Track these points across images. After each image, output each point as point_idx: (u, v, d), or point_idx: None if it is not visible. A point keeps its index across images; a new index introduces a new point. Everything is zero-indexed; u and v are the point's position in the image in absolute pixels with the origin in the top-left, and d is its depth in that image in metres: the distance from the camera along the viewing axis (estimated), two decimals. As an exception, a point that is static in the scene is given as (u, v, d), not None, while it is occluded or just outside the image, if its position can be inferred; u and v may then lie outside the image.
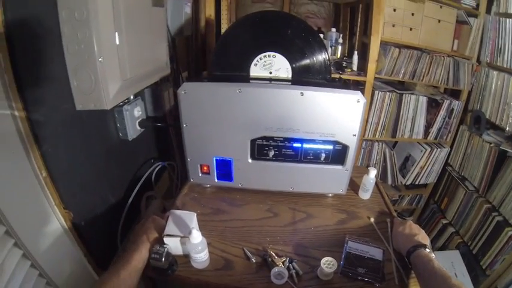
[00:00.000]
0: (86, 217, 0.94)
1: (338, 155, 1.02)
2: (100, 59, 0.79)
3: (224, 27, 1.85)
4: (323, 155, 1.01)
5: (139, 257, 0.76)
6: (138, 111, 1.15)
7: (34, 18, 0.71)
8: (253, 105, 0.93)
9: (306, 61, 1.01)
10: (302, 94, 0.90)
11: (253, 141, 1.00)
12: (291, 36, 1.00)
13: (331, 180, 1.07)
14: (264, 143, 1.00)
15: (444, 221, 2.16)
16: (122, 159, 1.16)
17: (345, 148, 1.00)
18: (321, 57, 1.01)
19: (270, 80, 1.01)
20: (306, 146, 1.00)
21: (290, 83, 0.97)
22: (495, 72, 1.78)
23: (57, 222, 0.83)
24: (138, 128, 1.17)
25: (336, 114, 0.94)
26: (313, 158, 1.02)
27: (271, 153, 1.00)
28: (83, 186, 0.93)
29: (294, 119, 0.95)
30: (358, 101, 0.92)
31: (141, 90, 1.19)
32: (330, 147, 1.00)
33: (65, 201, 0.84)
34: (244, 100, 0.93)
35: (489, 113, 1.83)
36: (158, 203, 1.29)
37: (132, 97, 1.12)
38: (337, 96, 0.92)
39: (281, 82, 0.98)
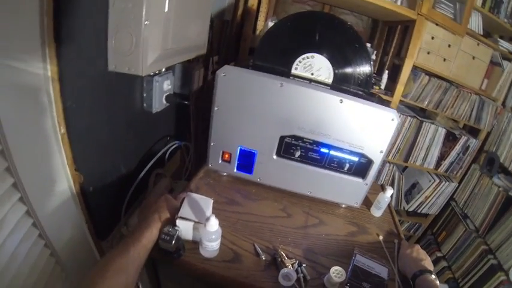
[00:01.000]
0: (94, 183, 0.91)
1: (361, 168, 1.01)
2: (146, 22, 0.77)
3: (261, 19, 1.83)
4: (347, 165, 1.00)
5: (150, 236, 0.73)
6: (167, 85, 1.13)
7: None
8: (291, 102, 0.92)
9: (350, 69, 1.01)
10: (341, 101, 0.89)
11: (282, 138, 0.99)
12: (339, 41, 0.99)
13: (349, 191, 1.06)
14: (293, 141, 0.98)
15: (438, 254, 2.15)
16: (141, 131, 1.14)
17: (369, 162, 0.99)
18: (365, 68, 1.00)
19: (311, 81, 0.99)
20: (332, 153, 0.99)
21: (329, 88, 0.96)
22: (518, 119, 1.79)
23: (66, 183, 0.79)
24: (164, 101, 1.15)
25: (369, 128, 0.93)
26: (337, 166, 1.01)
27: (298, 153, 0.99)
28: (98, 151, 0.91)
29: (328, 124, 0.94)
30: (393, 120, 0.91)
31: (173, 65, 1.16)
32: (356, 158, 0.99)
33: (78, 163, 0.81)
34: (283, 95, 0.91)
35: (504, 158, 1.83)
36: (167, 182, 1.27)
37: (163, 69, 1.09)
38: (374, 111, 0.91)
39: (321, 85, 0.97)
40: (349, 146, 0.96)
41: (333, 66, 1.00)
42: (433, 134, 1.93)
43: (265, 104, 0.94)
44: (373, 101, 0.93)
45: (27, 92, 0.63)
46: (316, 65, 1.00)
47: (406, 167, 2.27)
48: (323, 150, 0.99)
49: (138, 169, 1.14)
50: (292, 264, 0.84)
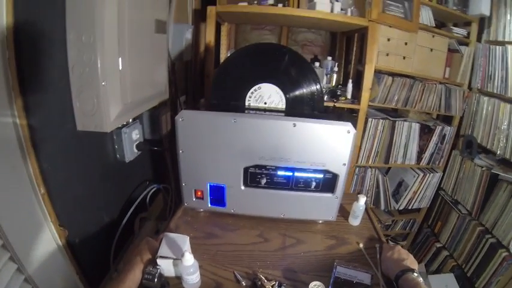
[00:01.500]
0: (80, 235, 0.96)
1: (328, 183, 1.04)
2: (103, 83, 0.83)
3: (223, 53, 1.89)
4: (314, 183, 1.03)
5: (133, 277, 0.77)
6: (136, 134, 1.18)
7: (41, 36, 0.75)
8: (247, 135, 0.96)
9: (300, 91, 1.05)
10: (294, 125, 0.93)
11: (246, 169, 1.02)
12: (285, 68, 1.04)
13: (321, 207, 1.09)
14: (257, 171, 1.02)
15: (438, 245, 2.16)
16: (118, 180, 1.18)
17: (335, 177, 1.02)
18: (314, 87, 1.05)
19: (265, 110, 1.04)
20: (297, 174, 1.02)
21: (284, 114, 1.00)
22: (486, 98, 1.83)
23: (52, 238, 0.85)
24: (135, 150, 1.19)
25: (327, 144, 0.97)
26: (304, 186, 1.04)
27: (264, 181, 1.03)
28: (79, 205, 0.96)
29: (287, 148, 0.97)
30: (349, 132, 0.95)
31: (140, 114, 1.22)
32: (321, 175, 1.02)
33: (61, 219, 0.86)
34: (239, 130, 0.95)
35: (480, 138, 1.87)
36: (151, 224, 1.30)
37: (130, 120, 1.14)
38: (328, 128, 0.95)
39: (275, 113, 1.01)
40: (311, 165, 1.00)
41: (282, 91, 1.04)
42: (408, 131, 1.96)
43: (224, 140, 0.98)
44: (326, 118, 0.97)
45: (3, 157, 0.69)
46: (266, 94, 1.05)
47: (389, 168, 2.30)
48: (287, 173, 1.02)
49: (121, 216, 1.18)
50: (272, 286, 0.86)
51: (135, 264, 0.81)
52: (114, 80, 0.89)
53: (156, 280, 0.78)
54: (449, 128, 2.00)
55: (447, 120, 2.09)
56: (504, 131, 1.69)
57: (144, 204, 1.33)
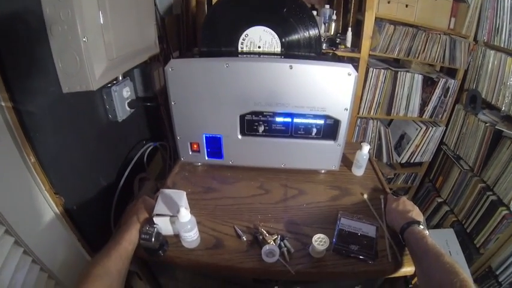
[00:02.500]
0: (77, 201, 0.92)
1: (330, 129, 0.98)
2: (84, 39, 0.78)
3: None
4: (314, 130, 0.97)
5: (130, 238, 0.74)
6: (127, 92, 1.12)
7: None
8: (241, 80, 0.89)
9: (296, 35, 0.96)
10: (291, 67, 0.86)
11: (242, 117, 0.96)
12: (280, 9, 0.95)
13: (323, 156, 1.03)
14: (254, 118, 0.96)
15: (439, 200, 2.13)
16: (113, 142, 1.14)
17: (336, 123, 0.96)
18: (311, 31, 0.96)
19: (259, 54, 0.96)
20: (296, 120, 0.96)
21: (280, 57, 0.92)
22: (492, 52, 1.72)
23: (48, 207, 0.81)
24: (128, 108, 1.14)
25: (327, 88, 0.90)
26: (304, 133, 0.98)
27: (261, 128, 0.97)
28: (73, 171, 0.91)
29: (284, 93, 0.91)
30: (350, 74, 0.88)
31: (130, 70, 1.16)
32: (321, 121, 0.96)
33: (56, 186, 0.82)
34: (232, 75, 0.88)
35: (485, 93, 1.78)
36: (151, 184, 1.26)
37: (120, 77, 1.09)
38: (328, 69, 0.87)
39: (270, 56, 0.93)
40: (311, 110, 0.93)
41: (278, 35, 0.95)
42: (411, 82, 1.88)
43: (217, 88, 0.91)
44: (325, 60, 0.89)
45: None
46: (260, 38, 0.96)
47: (391, 121, 2.23)
48: (286, 120, 0.96)
49: (118, 178, 1.13)
50: (274, 240, 0.82)
51: (131, 224, 0.77)
52: (96, 35, 0.83)
53: (153, 240, 0.74)
54: (453, 81, 1.91)
55: (451, 73, 1.99)
56: (510, 86, 1.60)
57: (142, 164, 1.29)
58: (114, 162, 1.15)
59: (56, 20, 0.74)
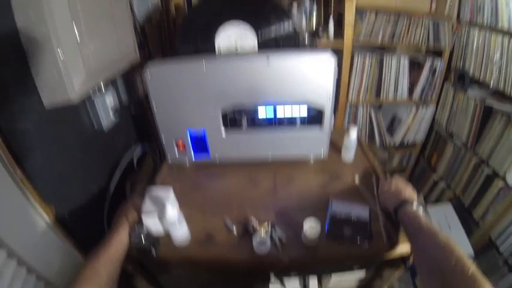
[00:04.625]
0: (69, 209, 0.90)
1: (315, 117, 0.94)
2: (60, 52, 0.75)
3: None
4: (298, 119, 0.93)
5: (119, 240, 0.71)
6: (110, 101, 1.09)
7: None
8: (219, 79, 0.86)
9: (271, 28, 0.92)
10: (268, 60, 0.83)
11: (224, 114, 0.93)
12: (254, 5, 0.91)
13: (310, 143, 1.00)
14: (236, 115, 0.92)
15: (435, 177, 2.07)
16: (101, 149, 1.11)
17: (320, 109, 0.92)
18: (287, 23, 0.92)
19: (236, 49, 0.92)
20: (279, 112, 0.92)
21: (257, 52, 0.89)
22: (476, 30, 1.65)
23: (39, 218, 0.79)
24: (112, 117, 1.11)
25: (307, 77, 0.86)
26: (289, 123, 0.94)
27: (244, 123, 0.94)
28: (63, 180, 0.89)
29: (264, 87, 0.87)
30: (328, 60, 0.84)
31: (113, 80, 1.13)
32: (305, 112, 0.92)
33: (45, 197, 0.80)
34: (210, 75, 0.85)
35: (472, 70, 1.71)
36: (143, 187, 1.23)
37: (103, 87, 1.06)
38: (305, 59, 0.84)
39: (248, 52, 0.90)
40: (293, 102, 0.89)
41: (255, 30, 0.92)
42: (397, 65, 1.82)
43: (196, 88, 0.88)
44: (302, 49, 0.85)
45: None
46: (237, 36, 0.92)
47: (381, 105, 2.17)
48: (268, 112, 0.92)
49: (108, 183, 1.11)
50: (265, 230, 0.78)
51: (120, 226, 0.74)
52: (71, 47, 0.80)
53: (143, 240, 0.71)
54: (439, 61, 1.84)
55: (437, 55, 1.92)
56: (497, 62, 1.53)
57: (133, 168, 1.26)
58: (104, 169, 1.12)
59: (31, 37, 0.72)
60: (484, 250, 1.63)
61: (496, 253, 1.56)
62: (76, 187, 0.95)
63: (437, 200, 2.03)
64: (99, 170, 1.09)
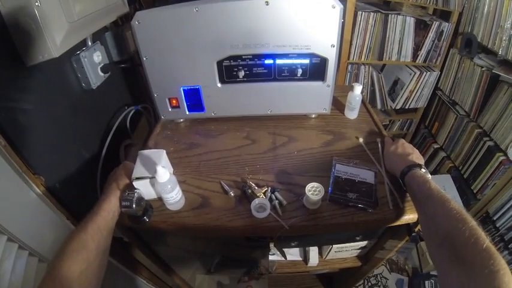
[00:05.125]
0: (60, 179, 0.81)
1: (317, 69, 0.85)
2: (37, 3, 0.66)
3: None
4: (300, 71, 0.84)
5: (108, 207, 0.64)
6: (98, 56, 0.98)
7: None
8: (213, 24, 0.76)
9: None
10: (267, 3, 0.72)
11: (219, 63, 0.83)
12: None
13: (312, 98, 0.91)
14: (232, 63, 0.83)
15: (435, 146, 2.02)
16: (91, 111, 1.01)
17: (323, 61, 0.83)
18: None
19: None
20: (279, 62, 0.83)
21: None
22: (488, -7, 1.54)
23: (29, 190, 0.72)
24: (101, 74, 1.00)
25: (310, 23, 0.76)
26: (289, 74, 0.85)
27: (241, 73, 0.84)
28: (51, 148, 0.80)
29: (262, 32, 0.77)
30: (334, 7, 0.74)
31: (101, 34, 1.03)
32: (307, 61, 0.83)
33: (34, 166, 0.72)
34: (203, 19, 0.76)
35: (481, 36, 1.61)
36: (137, 150, 1.15)
37: (90, 42, 0.95)
38: (308, 2, 0.73)
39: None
40: (294, 49, 0.80)
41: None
42: (402, 26, 1.70)
43: (189, 35, 0.79)
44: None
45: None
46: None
47: (383, 66, 2.07)
48: (267, 61, 0.83)
49: (102, 148, 1.02)
50: (264, 193, 0.72)
51: (110, 192, 0.67)
52: None
53: (134, 205, 0.64)
54: (447, 24, 1.73)
55: (445, 16, 1.81)
56: (507, 30, 1.43)
57: (126, 130, 1.17)
58: (95, 132, 1.03)
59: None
60: (481, 224, 1.60)
61: (493, 228, 1.54)
62: (66, 154, 0.87)
63: (437, 169, 1.99)
64: (90, 134, 1.00)
